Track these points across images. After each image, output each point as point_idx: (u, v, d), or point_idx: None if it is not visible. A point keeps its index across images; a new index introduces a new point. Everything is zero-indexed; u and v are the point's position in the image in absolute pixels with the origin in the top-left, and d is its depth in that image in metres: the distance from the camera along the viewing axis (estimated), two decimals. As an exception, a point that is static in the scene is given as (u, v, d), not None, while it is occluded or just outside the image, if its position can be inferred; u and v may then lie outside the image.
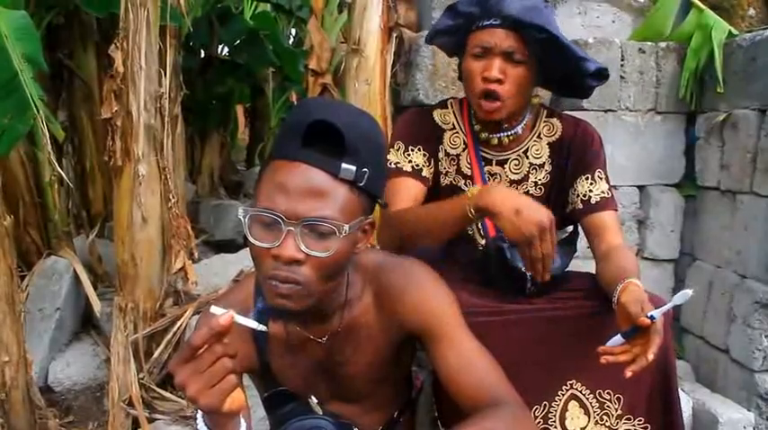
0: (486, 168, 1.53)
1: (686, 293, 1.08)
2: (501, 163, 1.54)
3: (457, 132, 1.56)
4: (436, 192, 1.56)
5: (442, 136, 1.57)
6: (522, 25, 1.35)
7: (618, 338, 1.14)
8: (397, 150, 1.53)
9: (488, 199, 1.25)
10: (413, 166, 1.52)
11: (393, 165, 1.52)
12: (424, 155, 1.53)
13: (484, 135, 1.52)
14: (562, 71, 1.47)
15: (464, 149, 1.55)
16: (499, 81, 1.38)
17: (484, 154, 1.54)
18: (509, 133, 1.51)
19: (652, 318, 1.07)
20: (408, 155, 1.52)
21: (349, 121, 0.91)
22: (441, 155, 1.56)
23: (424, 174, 1.52)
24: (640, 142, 2.52)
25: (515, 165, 1.54)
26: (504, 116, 1.45)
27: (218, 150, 5.28)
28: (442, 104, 1.61)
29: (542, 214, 1.22)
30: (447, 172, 1.57)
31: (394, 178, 1.51)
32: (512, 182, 1.54)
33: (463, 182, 1.55)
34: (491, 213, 1.25)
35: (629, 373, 1.10)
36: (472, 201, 1.26)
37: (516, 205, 1.22)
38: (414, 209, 1.45)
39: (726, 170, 2.34)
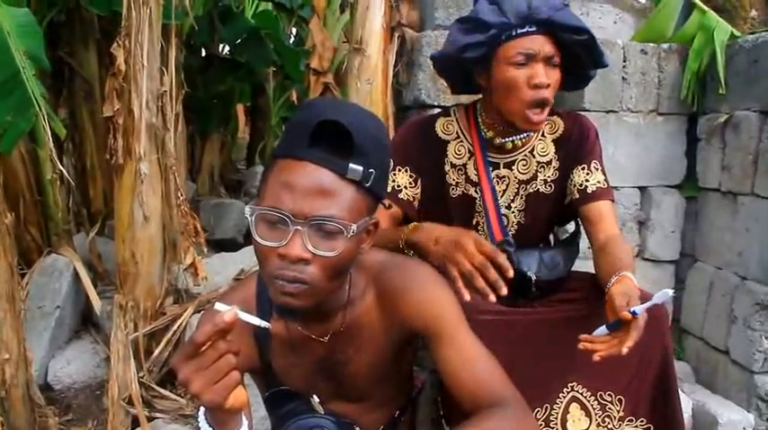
0: (494, 173, 1.53)
1: (666, 293, 1.09)
2: (508, 165, 1.54)
3: (461, 141, 1.55)
4: (444, 203, 1.55)
5: (445, 147, 1.56)
6: (562, 28, 1.35)
7: (602, 329, 1.16)
8: None
9: (414, 237, 1.32)
10: (393, 187, 1.52)
11: None
12: (411, 175, 1.53)
13: (498, 141, 1.51)
14: (577, 67, 1.46)
15: (470, 158, 1.54)
16: (548, 86, 1.38)
17: (491, 158, 1.53)
18: (523, 136, 1.51)
19: (634, 313, 1.08)
20: (394, 174, 1.52)
21: (357, 122, 0.91)
22: (447, 167, 1.55)
23: (401, 195, 1.52)
24: (642, 143, 2.52)
25: (523, 165, 1.54)
26: (545, 120, 1.44)
27: (219, 149, 5.28)
28: (446, 113, 1.59)
29: (458, 234, 1.25)
30: (456, 182, 1.56)
31: None
32: (520, 182, 1.54)
33: (473, 190, 1.55)
34: (418, 250, 1.31)
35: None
36: (404, 239, 1.34)
37: (436, 236, 1.28)
38: None
39: (727, 171, 2.34)
